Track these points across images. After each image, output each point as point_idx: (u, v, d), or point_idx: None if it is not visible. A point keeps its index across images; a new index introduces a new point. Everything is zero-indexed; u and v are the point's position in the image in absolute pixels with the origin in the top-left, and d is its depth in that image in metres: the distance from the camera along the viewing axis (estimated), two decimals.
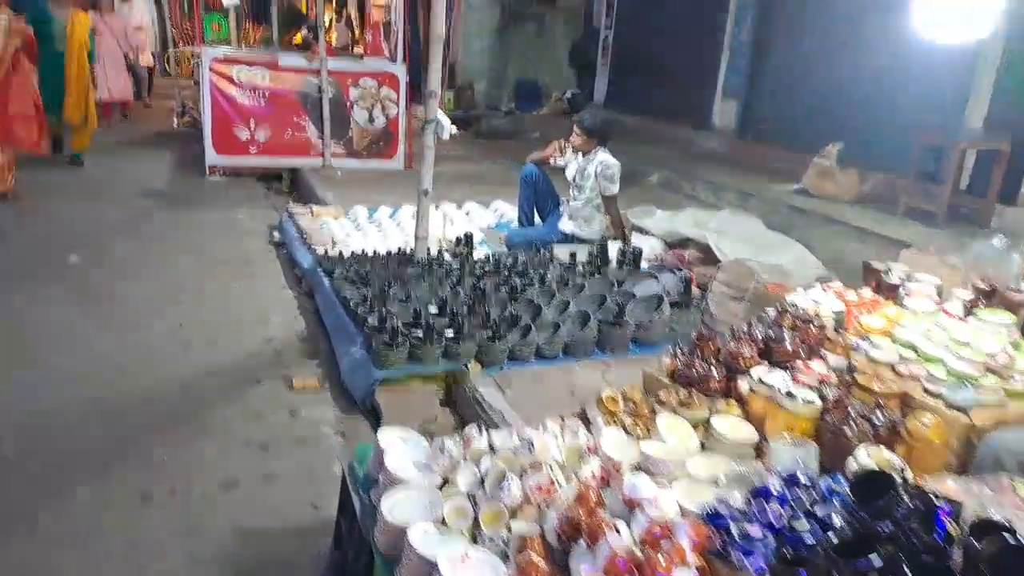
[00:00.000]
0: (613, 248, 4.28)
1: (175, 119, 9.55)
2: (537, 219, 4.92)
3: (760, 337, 2.35)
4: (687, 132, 8.27)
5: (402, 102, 7.37)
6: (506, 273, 3.94)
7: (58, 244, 4.81)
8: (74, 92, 6.69)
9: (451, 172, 6.69)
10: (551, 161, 4.76)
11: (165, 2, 9.13)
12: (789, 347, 2.30)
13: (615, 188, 4.49)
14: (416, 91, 6.81)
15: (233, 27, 8.57)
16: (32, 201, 5.75)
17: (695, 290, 3.89)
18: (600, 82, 10.47)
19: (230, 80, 6.76)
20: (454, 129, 3.99)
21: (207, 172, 6.94)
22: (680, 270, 3.96)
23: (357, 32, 9.61)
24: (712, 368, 2.23)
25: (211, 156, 6.90)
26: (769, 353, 2.31)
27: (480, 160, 8.08)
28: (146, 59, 9.23)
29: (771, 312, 2.59)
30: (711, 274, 3.75)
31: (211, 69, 6.67)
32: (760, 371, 2.16)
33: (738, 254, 4.00)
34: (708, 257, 4.28)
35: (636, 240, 4.60)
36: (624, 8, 9.96)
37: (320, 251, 4.42)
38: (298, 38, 10.21)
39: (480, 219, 5.36)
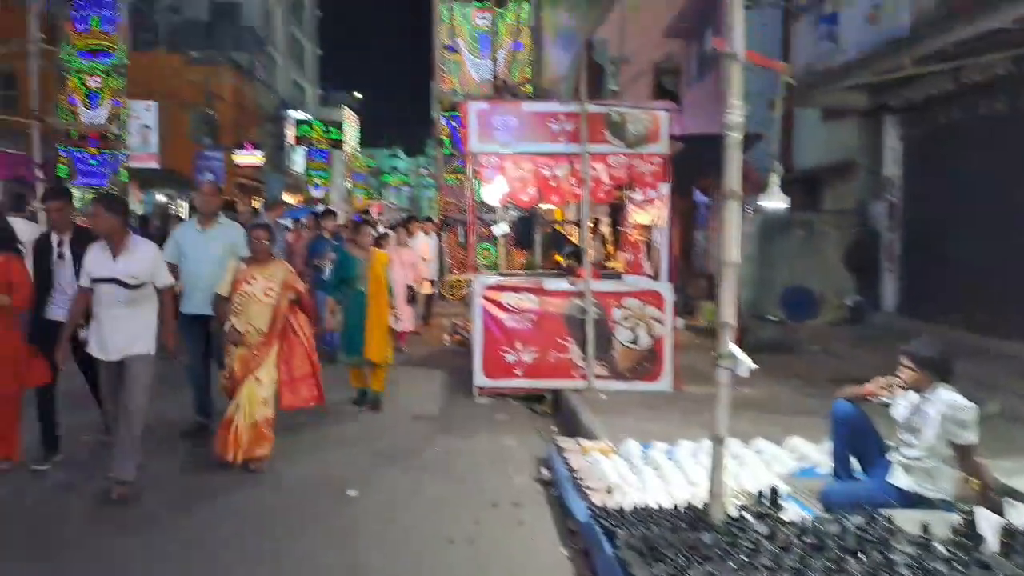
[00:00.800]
0: (984, 519, 3.20)
1: (446, 337, 10.19)
2: (855, 464, 4.00)
3: None
4: (1021, 347, 6.78)
5: (668, 320, 7.04)
6: (836, 551, 3.06)
7: (328, 480, 4.87)
8: (376, 331, 6.53)
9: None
10: (874, 399, 3.91)
11: (445, 234, 10.26)
12: None
13: (971, 436, 3.48)
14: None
15: (502, 254, 9.18)
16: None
17: None
18: (888, 287, 9.35)
19: (500, 306, 6.99)
20: (752, 364, 3.42)
21: (475, 393, 7.03)
22: None
23: (611, 248, 9.74)
24: None
25: (479, 378, 7.01)
26: None
27: (759, 382, 7.28)
28: (426, 288, 10.20)
29: None
30: None
31: (484, 296, 6.98)
32: None
33: None
34: None
35: (1013, 509, 3.45)
36: (915, 205, 9.01)
37: (596, 500, 3.91)
38: (558, 258, 10.68)
39: (776, 462, 4.53)
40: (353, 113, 52.09)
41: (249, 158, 30.08)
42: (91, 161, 13.20)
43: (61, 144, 13.07)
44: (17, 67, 13.63)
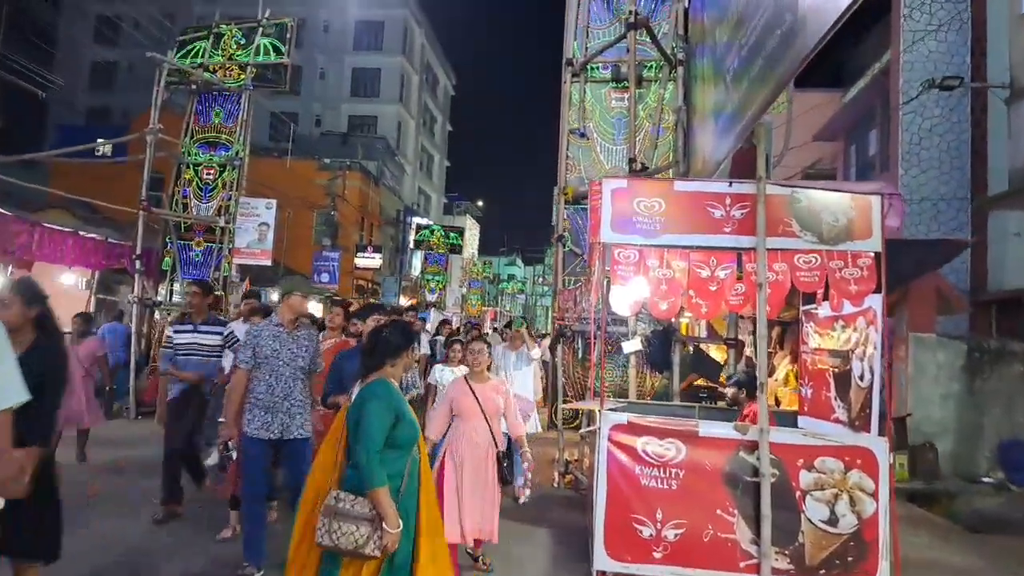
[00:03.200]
0: None
1: (556, 476, 8.18)
2: None
3: None
4: None
5: (883, 494, 4.76)
6: None
7: None
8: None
9: None
10: None
11: (561, 349, 8.40)
12: None
13: None
14: None
15: (633, 377, 7.21)
16: None
17: None
18: None
19: (634, 454, 5.00)
20: None
21: None
22: None
23: (781, 379, 7.53)
24: None
25: (601, 558, 4.93)
26: None
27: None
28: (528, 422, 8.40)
29: None
30: None
31: (611, 440, 5.03)
32: None
33: None
34: None
35: None
36: None
37: None
38: (700, 382, 8.55)
39: None
40: (475, 221, 52.89)
41: (368, 261, 30.22)
42: (195, 255, 12.68)
43: (169, 236, 12.65)
44: (160, 167, 13.55)
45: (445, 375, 6.57)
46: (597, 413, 5.36)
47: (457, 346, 6.61)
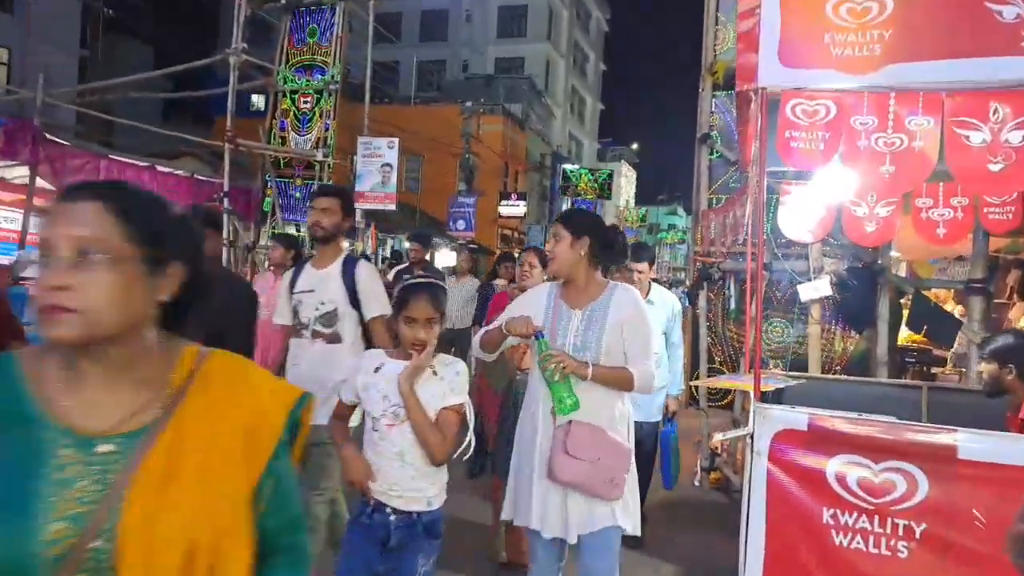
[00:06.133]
0: None
1: (697, 474, 5.88)
2: None
3: None
4: None
5: None
6: None
7: None
8: None
9: None
10: None
11: (702, 297, 5.91)
12: None
13: None
14: None
15: (815, 338, 4.65)
16: None
17: None
18: None
19: (818, 486, 2.63)
20: None
21: None
22: None
23: None
24: None
25: None
26: None
27: None
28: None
29: None
30: None
31: (774, 459, 2.68)
32: None
33: None
34: None
35: None
36: None
37: None
38: (915, 338, 5.75)
39: None
40: (631, 167, 49.55)
41: (512, 209, 28.56)
42: (295, 193, 11.42)
43: (268, 175, 11.47)
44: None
45: None
46: (750, 402, 3.00)
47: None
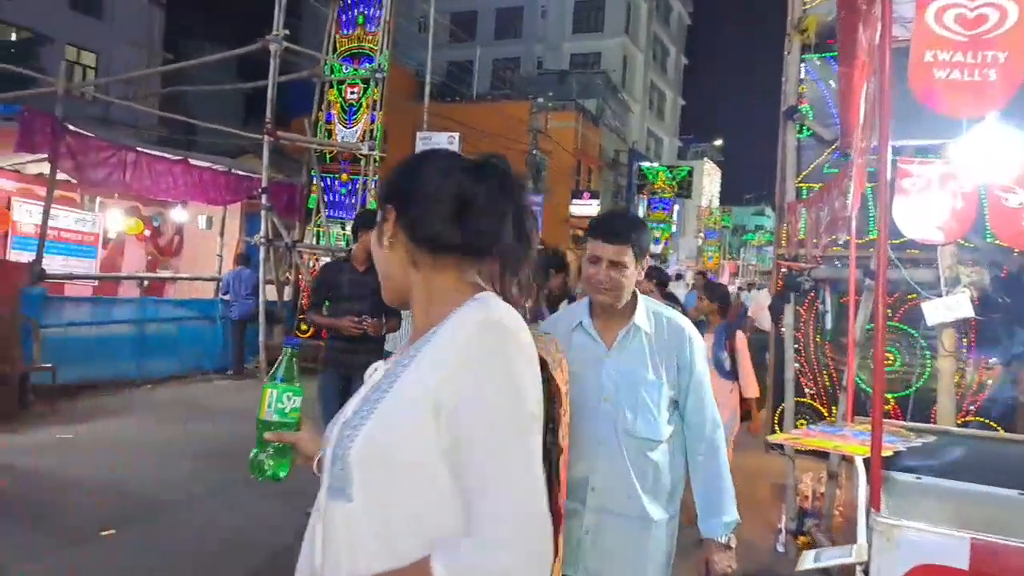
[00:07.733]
0: None
1: (782, 534, 4.68)
2: None
3: None
4: None
5: None
6: None
7: None
8: None
9: None
10: None
11: (788, 311, 4.67)
12: None
13: None
14: None
15: (947, 373, 3.41)
16: None
17: None
18: None
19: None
20: None
21: None
22: None
23: None
24: None
25: None
26: None
27: None
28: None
29: None
30: None
31: None
32: None
33: None
34: None
35: None
36: None
37: None
38: None
39: None
40: (715, 165, 47.35)
41: (584, 208, 27.39)
42: (341, 189, 10.76)
43: (314, 169, 10.84)
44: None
45: None
46: (859, 485, 1.88)
47: None
